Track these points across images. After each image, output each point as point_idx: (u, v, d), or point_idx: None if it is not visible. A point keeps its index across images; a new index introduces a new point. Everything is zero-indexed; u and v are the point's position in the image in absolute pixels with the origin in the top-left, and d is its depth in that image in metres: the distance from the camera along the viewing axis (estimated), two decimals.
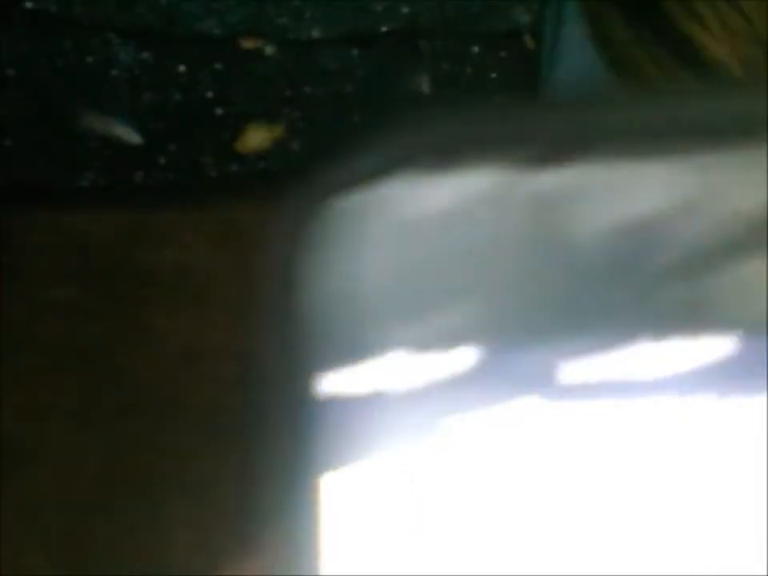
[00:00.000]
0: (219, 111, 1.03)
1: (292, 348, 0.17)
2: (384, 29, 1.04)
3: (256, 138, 1.03)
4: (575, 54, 1.13)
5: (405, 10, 1.04)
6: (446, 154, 0.17)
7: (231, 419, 0.70)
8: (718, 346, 0.17)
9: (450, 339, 0.18)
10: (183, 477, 0.83)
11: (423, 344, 0.17)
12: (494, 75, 1.07)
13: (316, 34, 1.03)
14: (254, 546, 0.19)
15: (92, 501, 0.81)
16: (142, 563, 0.78)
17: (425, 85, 1.05)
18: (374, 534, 0.18)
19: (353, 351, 0.17)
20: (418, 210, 0.17)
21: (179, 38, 1.01)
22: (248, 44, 1.02)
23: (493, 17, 1.06)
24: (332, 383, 0.18)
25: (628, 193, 0.17)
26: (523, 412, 0.18)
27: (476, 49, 1.06)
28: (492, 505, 0.18)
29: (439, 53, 1.05)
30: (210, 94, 1.02)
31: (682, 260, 0.18)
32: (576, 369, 0.18)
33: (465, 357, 0.17)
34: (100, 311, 0.93)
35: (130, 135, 1.02)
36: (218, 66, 1.02)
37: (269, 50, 1.03)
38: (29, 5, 0.98)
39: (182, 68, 1.01)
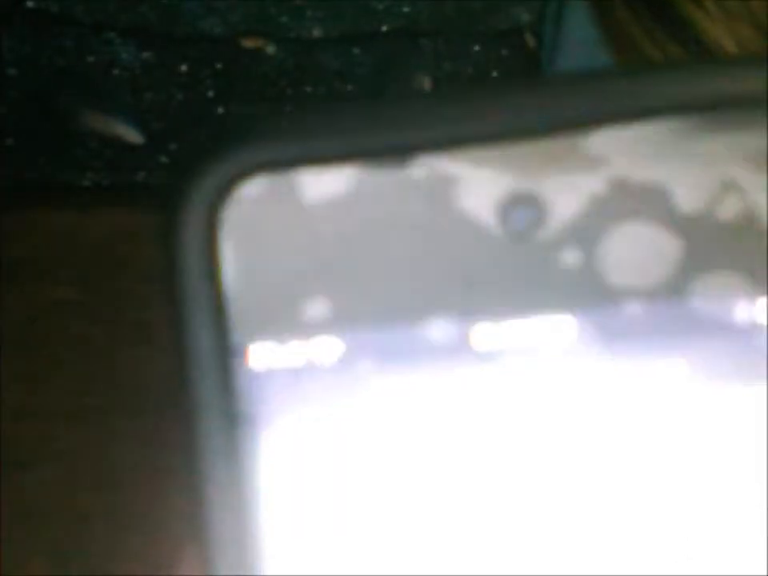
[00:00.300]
0: (221, 110, 1.03)
1: (218, 322, 0.18)
2: (385, 28, 1.04)
3: None
4: (576, 51, 1.13)
5: (406, 9, 1.04)
6: (326, 148, 0.18)
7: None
8: (613, 312, 0.19)
9: (360, 312, 0.19)
10: (186, 476, 0.83)
11: (338, 317, 0.19)
12: (495, 74, 1.07)
13: (317, 33, 1.03)
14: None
15: (93, 500, 0.81)
16: (140, 562, 0.79)
17: (426, 84, 1.05)
18: (305, 500, 0.19)
19: (276, 325, 0.18)
20: (315, 198, 0.18)
21: (180, 37, 1.01)
22: (249, 43, 1.02)
23: (494, 16, 1.06)
24: (260, 356, 0.19)
25: (512, 170, 0.19)
26: (440, 378, 0.19)
27: (477, 48, 1.06)
28: (414, 467, 0.19)
29: (440, 52, 1.05)
30: (211, 94, 1.02)
31: (573, 230, 0.19)
32: (486, 336, 0.19)
33: (378, 328, 0.19)
34: (100, 311, 0.94)
35: (131, 135, 1.02)
36: (219, 65, 1.02)
37: (270, 49, 1.03)
38: (30, 4, 0.98)
39: (183, 67, 1.02)
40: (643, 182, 0.19)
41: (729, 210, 0.19)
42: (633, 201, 0.19)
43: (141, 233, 1.00)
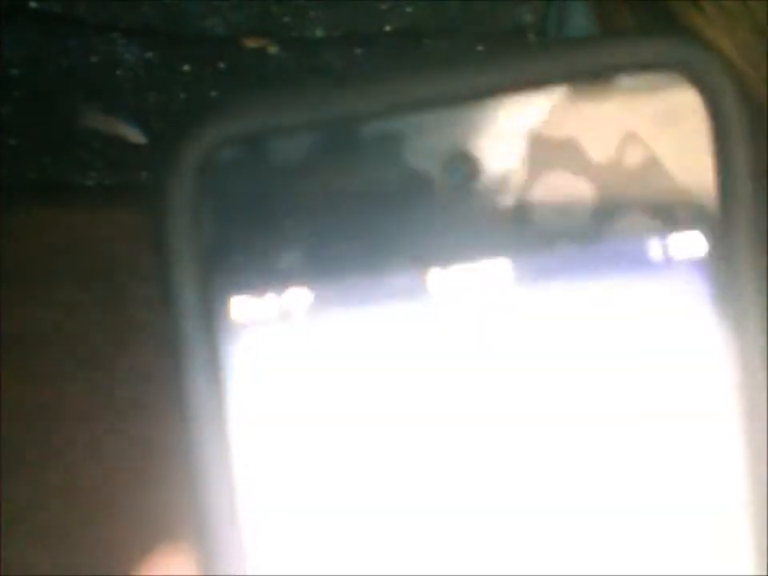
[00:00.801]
0: None
1: (201, 277, 0.21)
2: (388, 28, 1.04)
3: None
4: None
5: (409, 9, 1.04)
6: (281, 121, 0.22)
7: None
8: (542, 255, 0.22)
9: (327, 264, 0.22)
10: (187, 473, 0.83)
11: (307, 270, 0.22)
12: None
13: (320, 33, 1.03)
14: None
15: (93, 500, 0.81)
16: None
17: None
18: (281, 448, 0.21)
19: (253, 279, 0.21)
20: (282, 162, 0.21)
21: (183, 37, 1.01)
22: (252, 43, 1.02)
23: (496, 16, 1.06)
24: (240, 308, 0.21)
25: (450, 131, 0.22)
26: (402, 320, 0.22)
27: (480, 48, 1.06)
28: (383, 405, 0.22)
29: (443, 52, 1.05)
30: (214, 94, 1.02)
31: (504, 183, 0.22)
32: (439, 280, 0.22)
33: (344, 278, 0.22)
34: (103, 310, 0.94)
35: (134, 134, 1.02)
36: (221, 65, 1.02)
37: (272, 49, 1.03)
38: (33, 4, 0.98)
39: (186, 67, 1.02)
40: (558, 138, 0.22)
41: (634, 158, 0.22)
42: (551, 155, 0.22)
43: (144, 233, 1.00)
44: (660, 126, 0.22)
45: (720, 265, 0.21)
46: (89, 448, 0.83)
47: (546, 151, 0.22)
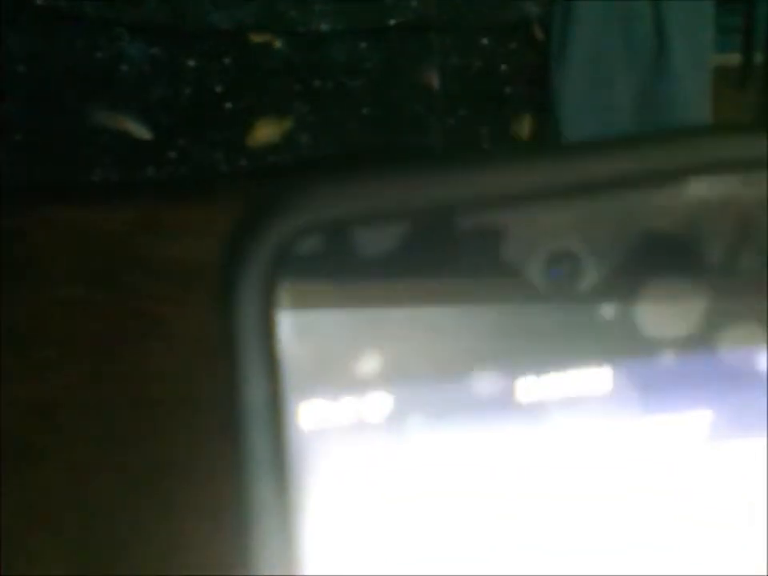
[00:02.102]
0: (229, 106, 1.03)
1: (273, 381, 0.19)
2: (393, 22, 1.04)
3: (265, 132, 1.03)
4: (584, 44, 1.12)
5: (413, 2, 1.04)
6: (370, 212, 0.19)
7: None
8: (647, 363, 0.19)
9: (409, 367, 0.20)
10: (196, 470, 0.83)
11: (388, 373, 0.19)
12: (503, 67, 1.07)
13: (325, 27, 1.03)
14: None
15: (102, 496, 0.81)
16: (154, 559, 0.79)
17: (434, 77, 1.05)
18: (358, 559, 0.19)
19: (333, 384, 0.19)
20: (366, 255, 0.19)
21: (188, 33, 1.01)
22: (257, 38, 1.02)
23: (502, 8, 1.06)
24: (314, 414, 0.19)
25: (552, 227, 0.20)
26: (487, 431, 0.20)
27: (485, 41, 1.06)
28: (463, 519, 0.20)
29: (448, 45, 1.05)
30: (219, 89, 1.02)
31: (608, 285, 0.20)
32: (530, 389, 0.20)
33: (426, 383, 0.19)
34: (110, 306, 0.94)
35: (140, 130, 1.02)
36: (227, 60, 1.02)
37: (278, 44, 1.03)
38: (38, 1, 0.98)
39: (191, 63, 1.02)
40: (669, 236, 0.20)
41: (747, 262, 0.20)
42: (660, 255, 0.20)
43: (150, 228, 1.00)
44: None
45: None
46: (97, 443, 0.83)
47: (654, 251, 0.20)
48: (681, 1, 1.05)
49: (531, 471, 0.20)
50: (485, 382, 0.20)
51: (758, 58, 1.63)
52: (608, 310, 0.20)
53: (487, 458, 0.20)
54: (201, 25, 1.01)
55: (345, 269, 0.19)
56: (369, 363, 0.19)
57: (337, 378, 0.19)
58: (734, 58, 1.68)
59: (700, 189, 0.20)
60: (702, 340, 0.20)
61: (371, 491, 0.20)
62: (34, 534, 0.77)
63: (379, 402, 0.20)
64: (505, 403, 0.20)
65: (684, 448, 0.20)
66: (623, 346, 0.20)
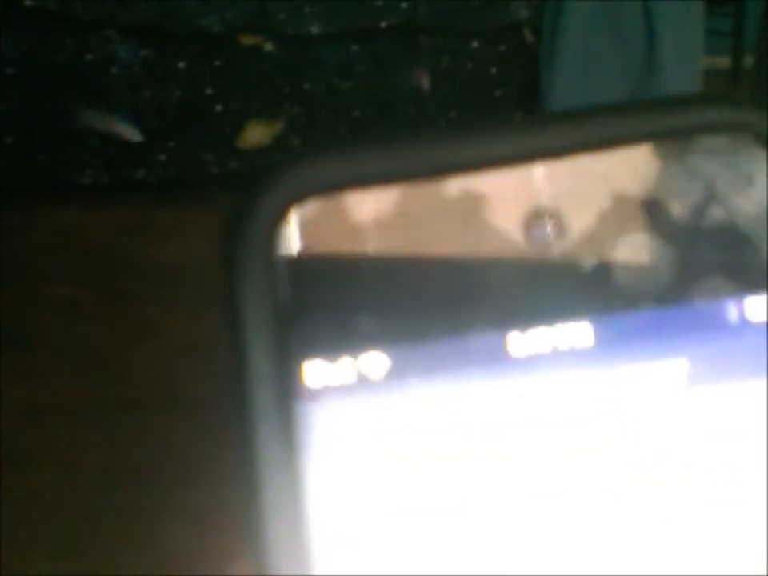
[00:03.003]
0: (219, 108, 1.03)
1: (275, 341, 0.20)
2: (383, 24, 1.04)
3: (256, 134, 1.03)
4: (574, 47, 1.12)
5: (404, 5, 1.04)
6: (369, 177, 0.21)
7: (232, 413, 0.70)
8: (630, 317, 0.21)
9: (405, 327, 0.21)
10: (184, 471, 0.83)
11: (384, 333, 0.20)
12: (493, 70, 1.07)
13: (315, 29, 1.03)
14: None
15: (93, 497, 0.81)
16: (143, 558, 0.79)
17: (424, 80, 1.05)
18: (357, 513, 0.20)
19: (334, 343, 0.20)
20: (360, 218, 0.20)
21: (179, 34, 1.01)
22: (247, 40, 1.02)
23: (492, 11, 1.06)
24: (314, 373, 0.20)
25: (531, 190, 0.21)
26: (482, 385, 0.21)
27: (475, 44, 1.06)
28: (459, 471, 0.21)
29: (439, 48, 1.05)
30: (209, 91, 1.02)
31: (587, 242, 0.21)
32: (521, 343, 0.21)
33: (422, 341, 0.20)
34: (100, 308, 0.94)
35: (130, 132, 1.02)
36: (217, 62, 1.02)
37: (268, 46, 1.03)
38: (29, 3, 0.98)
39: (181, 65, 1.02)
40: (640, 196, 0.21)
41: (713, 219, 0.21)
42: (633, 215, 0.21)
43: (140, 230, 1.00)
44: (736, 188, 0.21)
45: None
46: (89, 444, 0.83)
47: (628, 211, 0.21)
48: (671, 1, 1.06)
49: (525, 422, 0.21)
50: (477, 339, 0.21)
51: (748, 61, 1.64)
52: (587, 266, 0.21)
53: (483, 412, 0.21)
54: (191, 27, 1.01)
55: (340, 236, 0.20)
56: (366, 324, 0.20)
57: (335, 339, 0.20)
58: (724, 61, 1.68)
59: (666, 151, 0.21)
60: (676, 292, 0.21)
61: (372, 447, 0.20)
62: (26, 536, 0.77)
63: (377, 362, 0.20)
64: (497, 358, 0.21)
65: (663, 394, 0.21)
66: (603, 300, 0.21)
